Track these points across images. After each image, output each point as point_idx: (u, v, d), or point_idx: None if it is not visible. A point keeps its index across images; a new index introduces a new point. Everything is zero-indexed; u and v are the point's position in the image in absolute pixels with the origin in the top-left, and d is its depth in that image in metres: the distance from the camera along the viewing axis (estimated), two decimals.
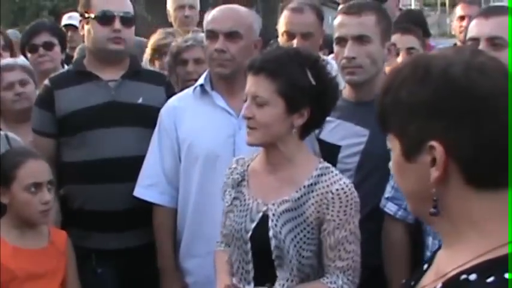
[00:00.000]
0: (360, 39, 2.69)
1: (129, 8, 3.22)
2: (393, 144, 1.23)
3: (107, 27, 3.12)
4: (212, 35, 2.86)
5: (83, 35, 3.24)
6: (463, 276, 1.11)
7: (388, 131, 1.24)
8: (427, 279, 1.24)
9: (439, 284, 1.15)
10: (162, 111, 3.00)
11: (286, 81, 2.24)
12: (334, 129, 2.79)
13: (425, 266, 1.29)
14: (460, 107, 1.14)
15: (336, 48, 2.78)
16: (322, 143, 2.82)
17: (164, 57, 3.78)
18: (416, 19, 5.33)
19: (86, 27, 3.18)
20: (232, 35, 2.82)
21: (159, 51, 3.88)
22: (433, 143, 1.15)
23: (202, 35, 3.70)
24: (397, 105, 1.20)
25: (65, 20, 5.33)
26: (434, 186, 1.16)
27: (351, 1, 2.92)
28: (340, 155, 2.74)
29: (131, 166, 3.01)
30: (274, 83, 2.24)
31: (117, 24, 3.11)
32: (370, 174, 2.65)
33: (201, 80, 2.94)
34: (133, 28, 3.22)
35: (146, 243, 3.04)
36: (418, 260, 2.49)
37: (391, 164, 1.28)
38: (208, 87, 2.91)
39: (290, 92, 2.24)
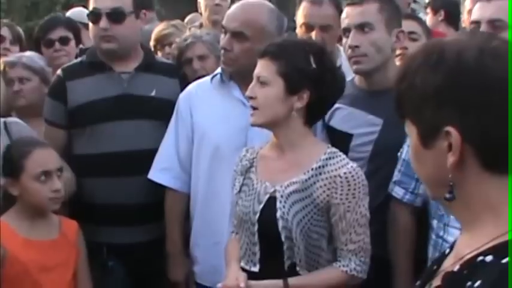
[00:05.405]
0: (362, 27, 2.69)
1: (120, 2, 3.05)
2: (410, 130, 1.24)
3: (96, 26, 3.03)
4: (223, 31, 2.84)
5: None
6: (480, 258, 1.13)
7: (405, 117, 1.25)
8: (447, 262, 1.26)
9: (457, 266, 1.17)
10: (181, 96, 2.98)
11: (287, 63, 2.33)
12: (346, 117, 2.80)
13: (447, 251, 1.31)
14: (473, 92, 1.14)
15: (343, 40, 2.79)
16: (332, 130, 2.82)
17: (165, 48, 3.87)
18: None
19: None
20: (237, 35, 2.77)
21: (160, 42, 3.94)
22: (449, 128, 1.15)
23: (201, 30, 3.67)
24: (412, 92, 1.21)
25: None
26: (451, 171, 1.17)
27: None
28: (352, 143, 2.74)
29: (143, 160, 2.97)
30: (275, 64, 2.33)
31: (103, 22, 3.01)
32: (384, 164, 2.65)
33: (219, 69, 2.91)
34: (126, 24, 3.06)
35: (158, 238, 3.01)
36: (423, 242, 2.52)
37: (409, 150, 1.28)
38: (226, 77, 2.88)
39: (289, 72, 2.32)
